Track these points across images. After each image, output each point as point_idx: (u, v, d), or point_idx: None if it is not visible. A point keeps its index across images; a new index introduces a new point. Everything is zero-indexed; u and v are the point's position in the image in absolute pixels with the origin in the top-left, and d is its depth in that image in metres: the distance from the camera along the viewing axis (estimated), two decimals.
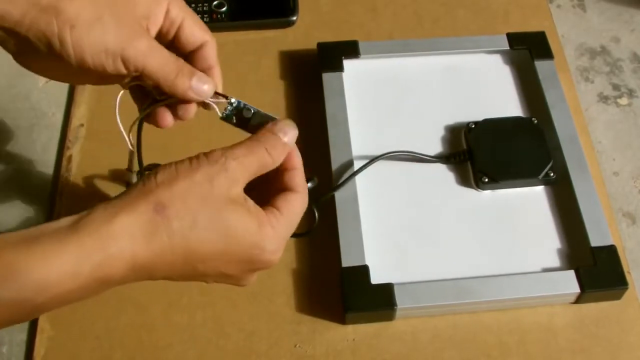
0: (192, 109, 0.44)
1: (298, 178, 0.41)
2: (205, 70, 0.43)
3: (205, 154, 0.38)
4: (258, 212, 0.39)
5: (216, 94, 0.43)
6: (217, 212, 0.37)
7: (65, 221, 0.35)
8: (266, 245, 0.39)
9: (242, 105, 0.43)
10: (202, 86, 0.42)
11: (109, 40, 0.39)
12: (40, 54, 0.40)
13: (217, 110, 0.43)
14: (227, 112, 0.43)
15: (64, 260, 0.34)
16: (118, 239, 0.35)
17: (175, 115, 0.44)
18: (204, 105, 0.43)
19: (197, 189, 0.37)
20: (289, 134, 0.41)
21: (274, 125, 0.41)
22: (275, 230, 0.39)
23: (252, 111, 0.42)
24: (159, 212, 0.36)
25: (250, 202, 0.39)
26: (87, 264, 0.34)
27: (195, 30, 0.43)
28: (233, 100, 0.42)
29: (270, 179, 0.42)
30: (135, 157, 0.48)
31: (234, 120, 0.43)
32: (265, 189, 0.42)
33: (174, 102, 0.43)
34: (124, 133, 0.44)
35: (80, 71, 0.41)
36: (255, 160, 0.39)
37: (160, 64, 0.40)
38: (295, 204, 0.40)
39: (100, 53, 0.39)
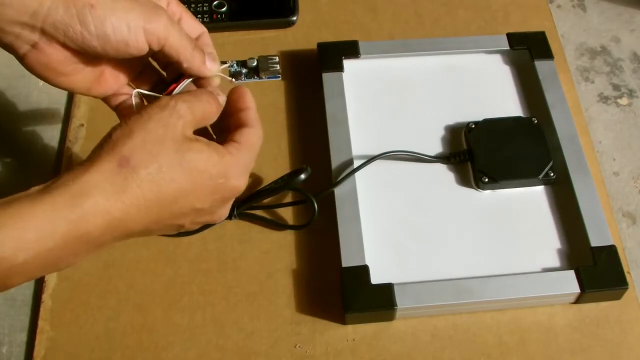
0: None
1: (252, 115, 0.44)
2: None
3: (152, 103, 0.40)
4: (215, 145, 0.41)
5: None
6: (178, 152, 0.39)
7: (34, 188, 0.37)
8: (229, 172, 0.41)
9: (239, 62, 0.47)
10: (212, 63, 0.44)
11: (131, 16, 0.40)
12: (52, 50, 0.41)
13: (227, 77, 0.46)
14: (234, 70, 0.47)
15: (40, 218, 0.35)
16: (89, 195, 0.36)
17: None
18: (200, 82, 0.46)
19: (154, 136, 0.38)
20: (222, 95, 0.45)
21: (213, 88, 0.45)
22: (236, 158, 0.41)
23: (255, 59, 0.47)
24: (124, 165, 0.37)
25: (206, 139, 0.41)
26: (63, 220, 0.35)
27: (193, 23, 0.46)
28: (229, 62, 0.47)
29: (224, 124, 0.44)
30: None
31: (243, 76, 0.48)
32: (220, 132, 0.44)
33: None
34: None
35: (91, 63, 0.43)
36: (200, 107, 0.41)
37: (181, 37, 0.43)
38: (251, 135, 0.43)
39: (122, 28, 0.40)
